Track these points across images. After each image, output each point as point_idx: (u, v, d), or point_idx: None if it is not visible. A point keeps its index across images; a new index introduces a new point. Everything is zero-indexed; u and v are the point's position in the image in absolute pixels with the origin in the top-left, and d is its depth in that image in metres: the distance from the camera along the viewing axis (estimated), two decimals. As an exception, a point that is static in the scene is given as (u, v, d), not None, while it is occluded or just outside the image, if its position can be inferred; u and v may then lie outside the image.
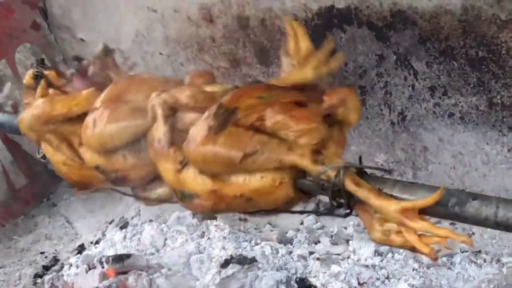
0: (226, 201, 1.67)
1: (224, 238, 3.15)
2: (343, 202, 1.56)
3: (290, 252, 3.01)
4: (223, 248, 3.07)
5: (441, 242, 1.45)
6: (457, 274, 2.71)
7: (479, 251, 2.79)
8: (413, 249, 1.50)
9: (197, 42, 3.71)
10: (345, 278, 2.77)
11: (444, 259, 2.78)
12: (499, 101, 2.72)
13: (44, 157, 2.15)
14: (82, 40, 4.39)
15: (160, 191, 1.92)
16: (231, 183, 1.65)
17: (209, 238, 3.20)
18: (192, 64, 3.81)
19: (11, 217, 4.05)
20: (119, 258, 3.13)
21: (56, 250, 3.77)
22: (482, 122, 2.82)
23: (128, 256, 3.14)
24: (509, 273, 2.64)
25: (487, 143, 2.86)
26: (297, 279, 2.79)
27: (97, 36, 4.22)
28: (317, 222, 3.23)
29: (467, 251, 2.80)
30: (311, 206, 2.98)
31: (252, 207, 1.69)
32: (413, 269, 2.78)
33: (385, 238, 1.53)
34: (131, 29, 4.01)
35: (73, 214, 4.05)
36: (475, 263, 2.74)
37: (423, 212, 1.47)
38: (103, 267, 3.09)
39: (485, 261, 2.75)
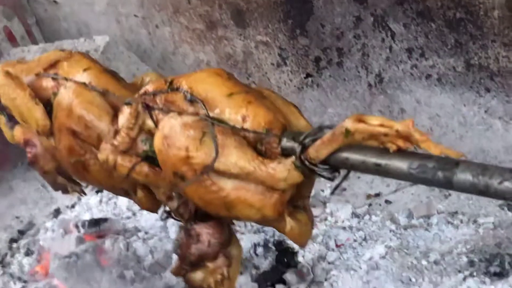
0: None
1: (201, 201, 3.14)
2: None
3: (268, 215, 3.01)
4: (200, 211, 3.06)
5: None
6: (433, 235, 2.72)
7: (456, 212, 2.81)
8: None
9: (172, 4, 3.67)
10: (322, 240, 2.77)
11: (421, 220, 2.80)
12: (476, 62, 2.72)
13: None
14: (55, 1, 4.32)
15: None
16: None
17: (186, 201, 3.19)
18: (167, 26, 3.77)
19: (-15, 182, 4.00)
20: (96, 222, 3.11)
21: (31, 215, 3.74)
22: (459, 84, 2.82)
23: (104, 220, 3.13)
24: (486, 234, 2.66)
25: (464, 105, 2.86)
26: (275, 242, 2.79)
27: (70, -2, 4.17)
28: (294, 185, 3.22)
29: (443, 212, 2.82)
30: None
31: None
32: (390, 231, 2.79)
33: None
34: (105, -10, 3.97)
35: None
36: (452, 224, 2.76)
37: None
38: (79, 231, 3.07)
39: (461, 222, 2.76)
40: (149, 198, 1.97)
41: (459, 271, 2.52)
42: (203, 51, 3.68)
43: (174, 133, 1.70)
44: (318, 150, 1.56)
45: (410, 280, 2.54)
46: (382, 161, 1.48)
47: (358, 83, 3.14)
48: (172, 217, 1.94)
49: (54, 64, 2.04)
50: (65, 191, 2.39)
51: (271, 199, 1.65)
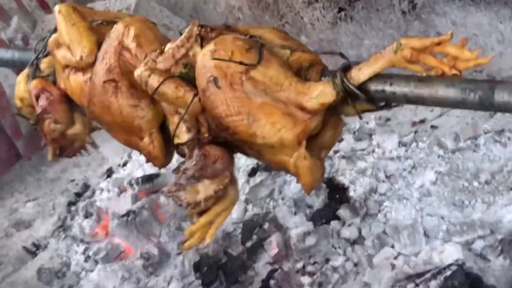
0: None
1: (249, 146, 3.17)
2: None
3: (315, 153, 3.02)
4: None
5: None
6: (482, 155, 2.72)
7: (502, 130, 2.79)
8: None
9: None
10: (372, 173, 2.79)
11: (468, 142, 2.79)
12: (509, -23, 2.68)
13: None
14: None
15: None
16: None
17: (233, 148, 3.22)
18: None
19: (36, 149, 4.06)
20: (148, 178, 3.17)
21: (85, 177, 3.82)
22: (493, 1, 2.78)
23: (157, 175, 3.18)
24: (534, 148, 2.65)
25: (501, 22, 2.82)
26: (325, 180, 2.81)
27: (96, -42, 4.17)
28: (338, 120, 3.23)
29: (490, 132, 2.80)
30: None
31: None
32: (438, 156, 2.79)
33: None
34: None
35: (97, 138, 4.05)
36: (500, 142, 2.74)
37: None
38: (133, 189, 3.14)
39: (509, 139, 2.74)
40: (160, 143, 2.00)
41: (511, 189, 2.53)
42: (234, -4, 3.68)
43: (223, 43, 1.74)
44: (361, 69, 1.57)
45: (463, 203, 2.55)
46: (423, 88, 1.51)
47: (392, 11, 3.12)
48: (180, 154, 1.97)
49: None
50: (68, 153, 2.39)
51: (295, 122, 1.66)
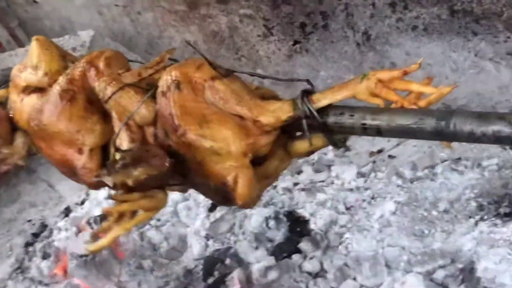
0: None
1: (208, 181, 3.15)
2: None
3: (275, 187, 3.02)
4: (208, 192, 3.08)
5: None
6: (440, 184, 2.74)
7: (459, 158, 2.82)
8: None
9: (151, -11, 3.67)
10: (332, 205, 2.79)
11: (426, 171, 2.81)
12: (460, 8, 2.71)
13: None
14: (35, 1, 4.31)
15: None
16: None
17: (193, 183, 3.21)
18: (149, 11, 3.76)
19: (-9, 190, 4.01)
20: (107, 217, 3.13)
21: (42, 216, 3.76)
22: (446, 31, 2.81)
23: (115, 213, 3.14)
24: (491, 176, 2.68)
25: (454, 51, 2.86)
26: (285, 213, 2.81)
27: (49, -4, 4.16)
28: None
29: (447, 160, 2.83)
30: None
31: None
32: (397, 186, 2.81)
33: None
34: (82, -16, 3.95)
35: (54, 177, 4.03)
36: (457, 170, 2.77)
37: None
38: (92, 228, 3.10)
39: (466, 167, 2.77)
40: (99, 160, 1.94)
41: (470, 217, 2.55)
42: (189, 32, 3.68)
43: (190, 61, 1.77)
44: (324, 94, 1.58)
45: (423, 232, 2.56)
46: (382, 119, 1.51)
47: (346, 43, 3.14)
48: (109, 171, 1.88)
49: None
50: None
51: (247, 134, 1.66)
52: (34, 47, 2.08)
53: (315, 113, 1.58)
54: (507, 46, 2.71)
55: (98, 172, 1.78)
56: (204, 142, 1.69)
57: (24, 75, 2.07)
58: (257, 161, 1.72)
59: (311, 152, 1.73)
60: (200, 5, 3.51)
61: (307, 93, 1.61)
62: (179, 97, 1.70)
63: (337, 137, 1.65)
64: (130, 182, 1.73)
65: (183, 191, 2.01)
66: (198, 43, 3.66)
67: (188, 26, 3.65)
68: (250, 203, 1.76)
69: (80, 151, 1.95)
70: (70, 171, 2.01)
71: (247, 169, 1.69)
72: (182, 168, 1.79)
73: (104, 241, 1.87)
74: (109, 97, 1.79)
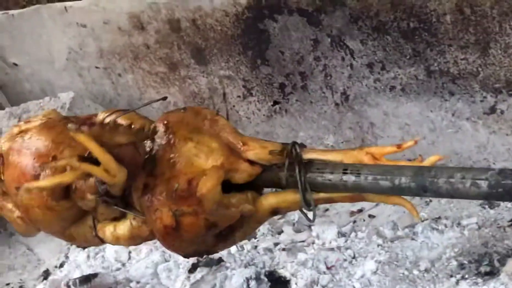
0: None
1: (188, 242, 3.14)
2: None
3: (256, 247, 3.01)
4: (188, 253, 3.06)
5: None
6: (420, 243, 2.74)
7: (439, 217, 2.83)
8: None
9: (131, 51, 3.69)
10: (313, 265, 2.78)
11: (406, 230, 2.81)
12: (436, 68, 2.76)
13: None
14: (15, 64, 4.33)
15: None
16: None
17: (173, 244, 3.19)
18: (130, 73, 3.79)
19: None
20: (86, 279, 3.10)
21: (21, 280, 3.71)
22: (423, 91, 2.85)
23: (94, 275, 3.12)
24: (471, 235, 2.69)
25: (431, 111, 2.90)
26: (266, 273, 2.80)
27: (28, 59, 4.17)
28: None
29: (427, 219, 2.84)
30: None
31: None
32: (378, 245, 2.80)
33: None
34: (62, 47, 3.97)
35: (33, 240, 3.99)
36: (437, 229, 2.78)
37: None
38: (71, 291, 3.07)
39: (446, 226, 2.78)
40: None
41: (451, 276, 2.54)
42: (169, 93, 3.70)
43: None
44: (315, 150, 1.68)
45: (405, 291, 2.56)
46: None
47: (325, 103, 3.17)
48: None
49: None
50: None
51: (231, 154, 1.72)
52: None
53: (301, 160, 1.61)
54: (483, 106, 2.75)
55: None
56: (189, 143, 1.73)
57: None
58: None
59: (277, 211, 1.74)
60: (180, 66, 3.55)
61: (300, 145, 1.65)
62: (179, 115, 1.81)
63: (310, 197, 1.65)
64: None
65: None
66: (178, 103, 3.68)
67: (168, 88, 3.68)
68: (209, 198, 1.64)
69: None
70: None
71: (217, 175, 1.66)
72: (150, 168, 1.77)
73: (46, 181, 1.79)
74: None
